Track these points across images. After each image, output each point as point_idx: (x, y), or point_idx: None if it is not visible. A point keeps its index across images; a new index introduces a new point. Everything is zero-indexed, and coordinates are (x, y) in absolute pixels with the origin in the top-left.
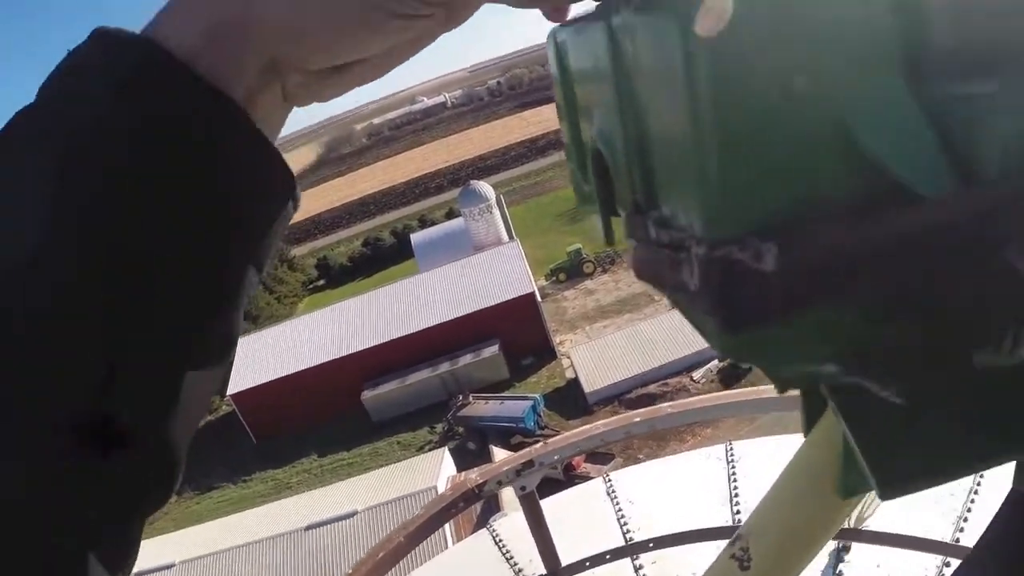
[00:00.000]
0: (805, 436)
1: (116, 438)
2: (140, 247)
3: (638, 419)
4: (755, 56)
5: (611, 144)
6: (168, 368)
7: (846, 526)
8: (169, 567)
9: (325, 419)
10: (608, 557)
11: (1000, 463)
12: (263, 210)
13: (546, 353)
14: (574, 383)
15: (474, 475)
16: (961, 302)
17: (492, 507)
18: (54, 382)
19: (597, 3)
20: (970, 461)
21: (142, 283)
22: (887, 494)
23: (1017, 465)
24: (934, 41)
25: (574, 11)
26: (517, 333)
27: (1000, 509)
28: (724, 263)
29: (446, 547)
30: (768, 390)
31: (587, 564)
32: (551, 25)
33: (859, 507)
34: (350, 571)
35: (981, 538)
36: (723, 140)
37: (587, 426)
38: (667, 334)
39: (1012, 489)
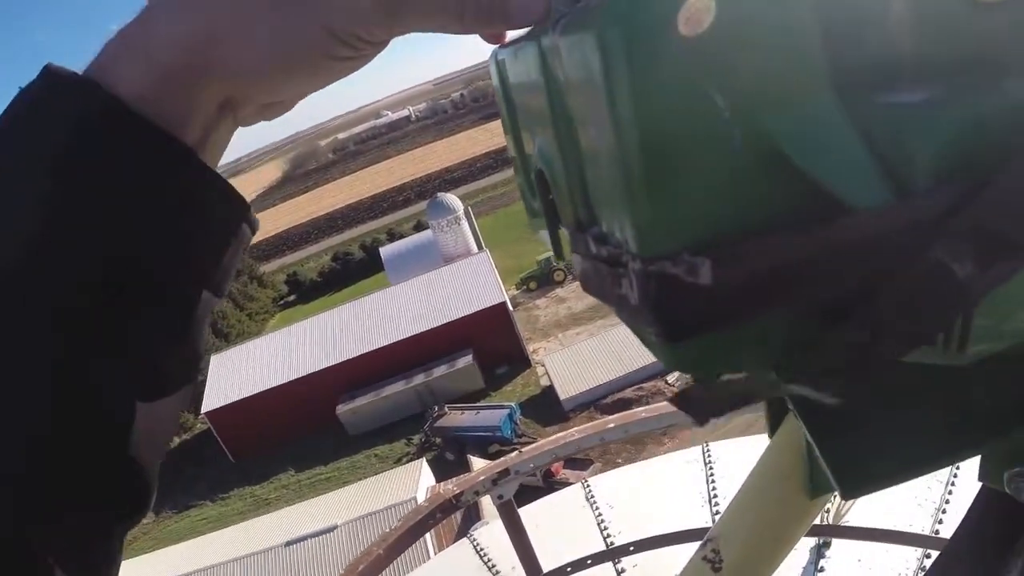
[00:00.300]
0: (770, 438)
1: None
2: (92, 279)
3: (612, 425)
4: (679, 75)
5: (550, 162)
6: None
7: (826, 522)
8: None
9: (301, 434)
10: (589, 562)
11: (958, 460)
12: (214, 240)
13: (520, 362)
14: (549, 390)
15: (451, 485)
16: (896, 303)
17: (473, 517)
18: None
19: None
20: (928, 459)
21: (95, 312)
22: (849, 493)
23: (981, 460)
24: (862, 55)
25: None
26: (490, 343)
27: (973, 501)
28: (660, 278)
29: (428, 558)
30: None
31: (568, 569)
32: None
33: (836, 503)
34: None
35: (956, 531)
36: (648, 160)
37: (561, 433)
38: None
39: (983, 486)
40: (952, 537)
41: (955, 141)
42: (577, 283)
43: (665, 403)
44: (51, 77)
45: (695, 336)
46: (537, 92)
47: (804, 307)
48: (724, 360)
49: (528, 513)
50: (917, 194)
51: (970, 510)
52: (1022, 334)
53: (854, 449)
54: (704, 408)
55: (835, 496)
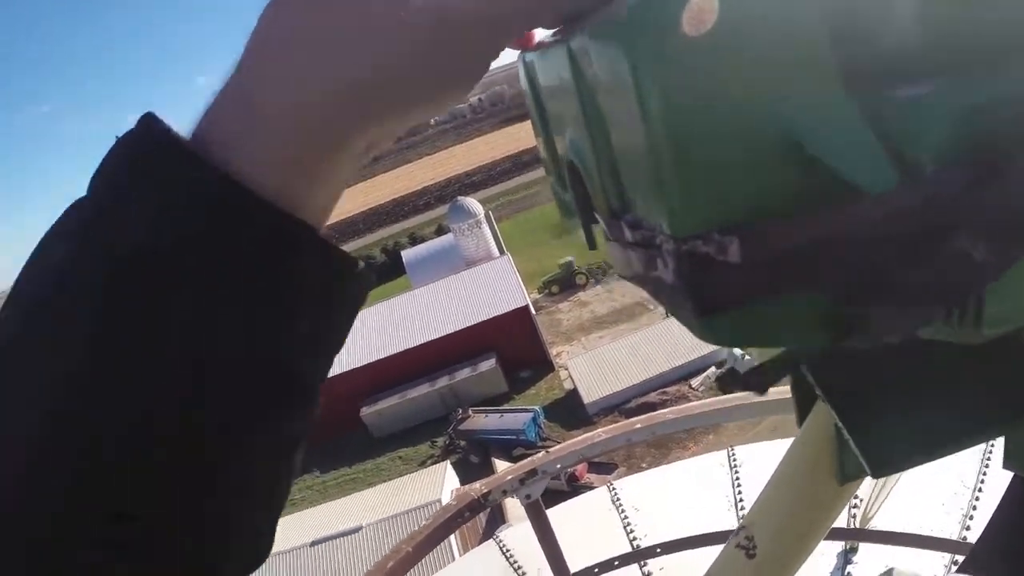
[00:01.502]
0: (799, 427)
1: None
2: (198, 357)
3: (639, 425)
4: (701, 71)
5: (582, 156)
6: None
7: (853, 527)
8: None
9: (326, 435)
10: (616, 563)
11: (982, 440)
12: (333, 311)
13: (543, 365)
14: (573, 394)
15: (478, 485)
16: (911, 282)
17: (497, 520)
18: None
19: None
20: (953, 438)
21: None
22: (879, 472)
23: (1004, 444)
24: (870, 50)
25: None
26: (513, 346)
27: (1005, 492)
28: (692, 256)
29: (452, 560)
30: (768, 393)
31: (596, 571)
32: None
33: (863, 507)
34: None
35: (990, 521)
36: (676, 150)
37: (589, 434)
38: (664, 343)
39: (1013, 476)
40: (986, 527)
41: (958, 128)
42: (599, 287)
43: (690, 404)
44: (161, 145)
45: (726, 310)
46: (567, 91)
47: (827, 285)
48: (755, 335)
49: (554, 515)
50: (924, 178)
51: (1002, 500)
52: None
53: (881, 429)
54: (759, 380)
55: (861, 500)
